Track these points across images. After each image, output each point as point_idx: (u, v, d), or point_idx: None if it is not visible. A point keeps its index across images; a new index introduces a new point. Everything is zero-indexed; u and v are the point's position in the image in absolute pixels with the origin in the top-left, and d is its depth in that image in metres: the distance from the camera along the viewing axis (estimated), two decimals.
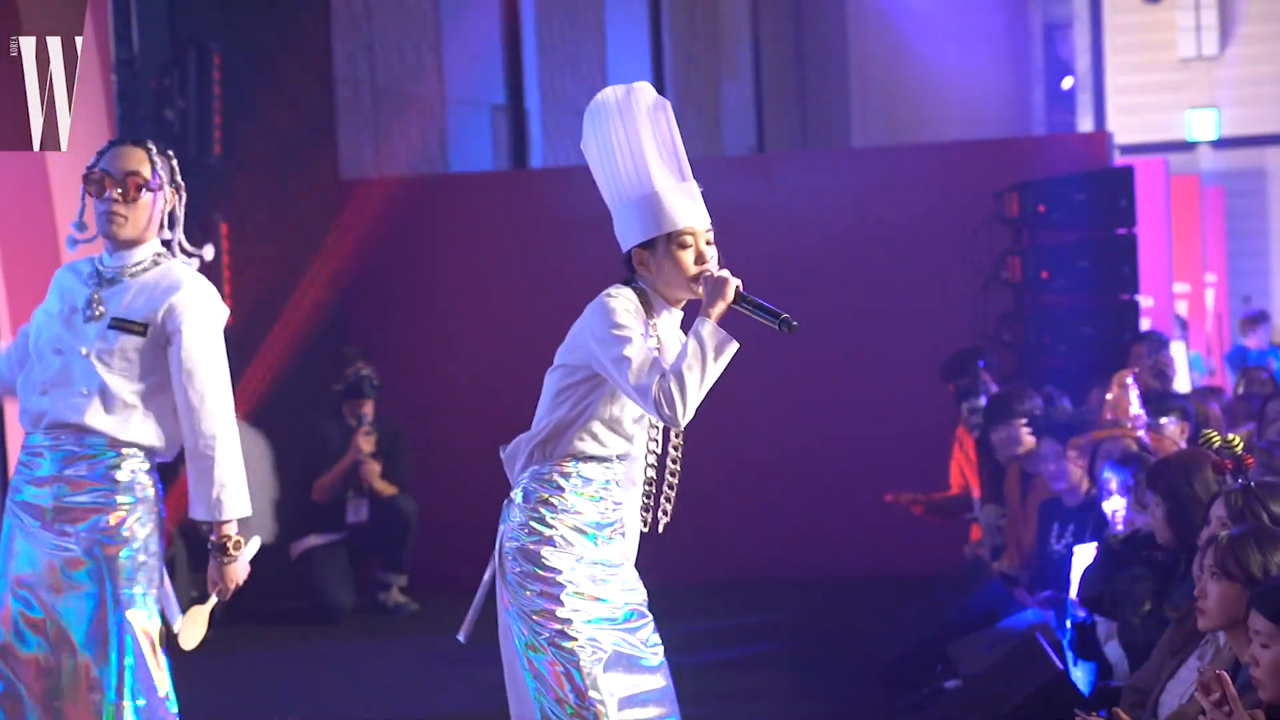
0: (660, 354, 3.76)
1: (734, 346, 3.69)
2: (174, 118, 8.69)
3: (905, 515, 8.70)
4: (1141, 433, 6.51)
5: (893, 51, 19.17)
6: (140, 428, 4.42)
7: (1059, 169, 9.47)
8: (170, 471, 4.64)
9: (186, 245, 4.57)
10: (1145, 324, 10.25)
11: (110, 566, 4.38)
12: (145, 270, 4.46)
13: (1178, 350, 10.12)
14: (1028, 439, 7.35)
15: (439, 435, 9.58)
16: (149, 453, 4.45)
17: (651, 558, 4.01)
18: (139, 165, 4.43)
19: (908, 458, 9.06)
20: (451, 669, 7.34)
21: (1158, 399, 7.32)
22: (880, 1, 19.16)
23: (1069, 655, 5.72)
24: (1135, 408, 6.61)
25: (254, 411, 8.90)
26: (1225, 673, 3.48)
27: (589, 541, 3.84)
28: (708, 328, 3.68)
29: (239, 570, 4.48)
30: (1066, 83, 20.60)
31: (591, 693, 3.75)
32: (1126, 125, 18.45)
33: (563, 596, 3.78)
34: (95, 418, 4.37)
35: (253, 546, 4.55)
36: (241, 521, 4.49)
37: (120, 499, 4.40)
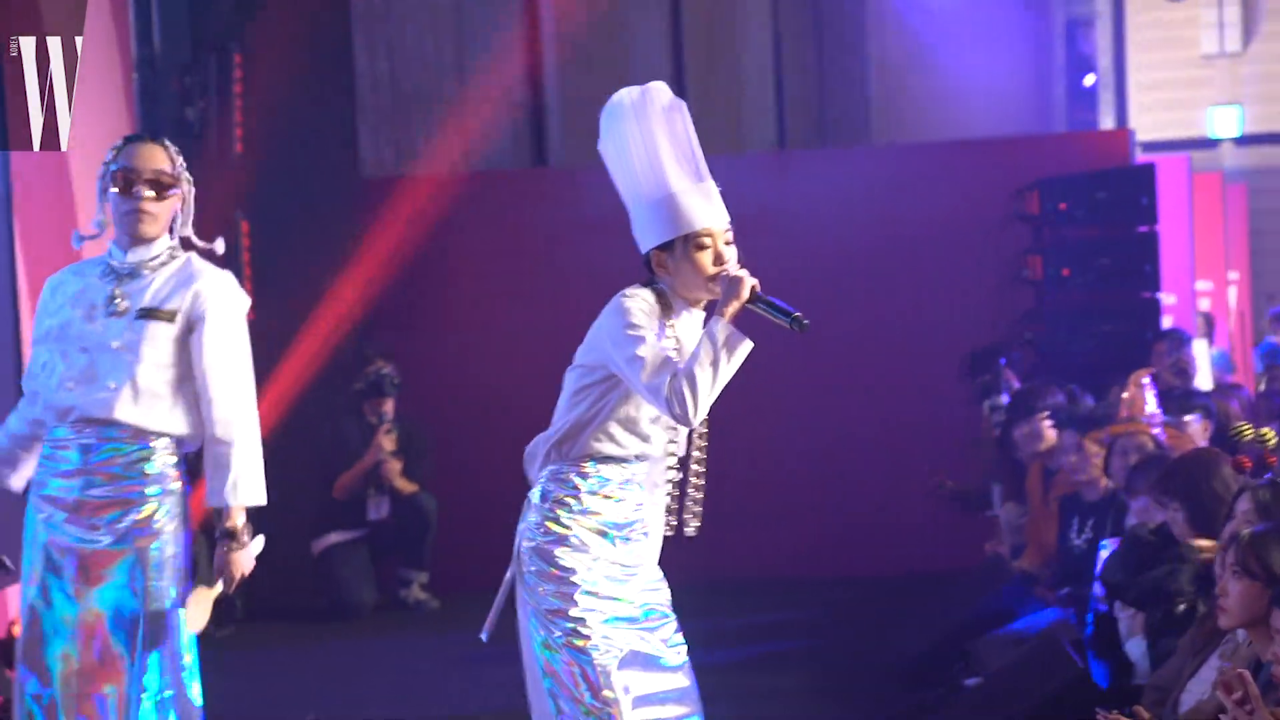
0: (679, 355, 3.76)
1: (747, 346, 3.68)
2: (195, 117, 8.72)
3: (924, 512, 8.70)
4: (1157, 430, 6.50)
5: (913, 48, 19.12)
6: (169, 417, 4.46)
7: (1080, 166, 9.46)
8: (195, 471, 4.66)
9: (197, 240, 4.62)
10: (1167, 322, 10.23)
11: (141, 559, 4.42)
12: (163, 264, 4.52)
13: (1200, 348, 10.09)
14: (1050, 434, 7.34)
15: (459, 433, 9.59)
16: (178, 443, 4.50)
17: (670, 557, 4.01)
18: (164, 163, 4.51)
19: (928, 456, 9.05)
20: (472, 666, 7.35)
21: (1181, 397, 7.31)
22: None
23: (1088, 653, 5.71)
24: (1151, 406, 6.62)
25: (275, 409, 8.91)
26: (1247, 671, 3.47)
27: (607, 543, 3.83)
28: (721, 327, 3.67)
29: (245, 559, 4.50)
30: (1088, 80, 20.55)
31: (606, 691, 3.74)
32: (1148, 122, 18.41)
33: (576, 596, 3.78)
34: (124, 410, 4.42)
35: (257, 544, 4.56)
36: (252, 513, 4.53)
37: (149, 491, 4.44)
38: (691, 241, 3.79)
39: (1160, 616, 5.08)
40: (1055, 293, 9.42)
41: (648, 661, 3.84)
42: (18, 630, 6.30)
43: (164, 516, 4.44)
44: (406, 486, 9.12)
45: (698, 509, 3.92)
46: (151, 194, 4.47)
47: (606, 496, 3.84)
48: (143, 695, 4.40)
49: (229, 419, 4.45)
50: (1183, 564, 4.94)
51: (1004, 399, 8.27)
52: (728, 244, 3.81)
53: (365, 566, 9.10)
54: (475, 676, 7.25)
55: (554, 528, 3.82)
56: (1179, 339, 9.38)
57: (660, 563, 3.98)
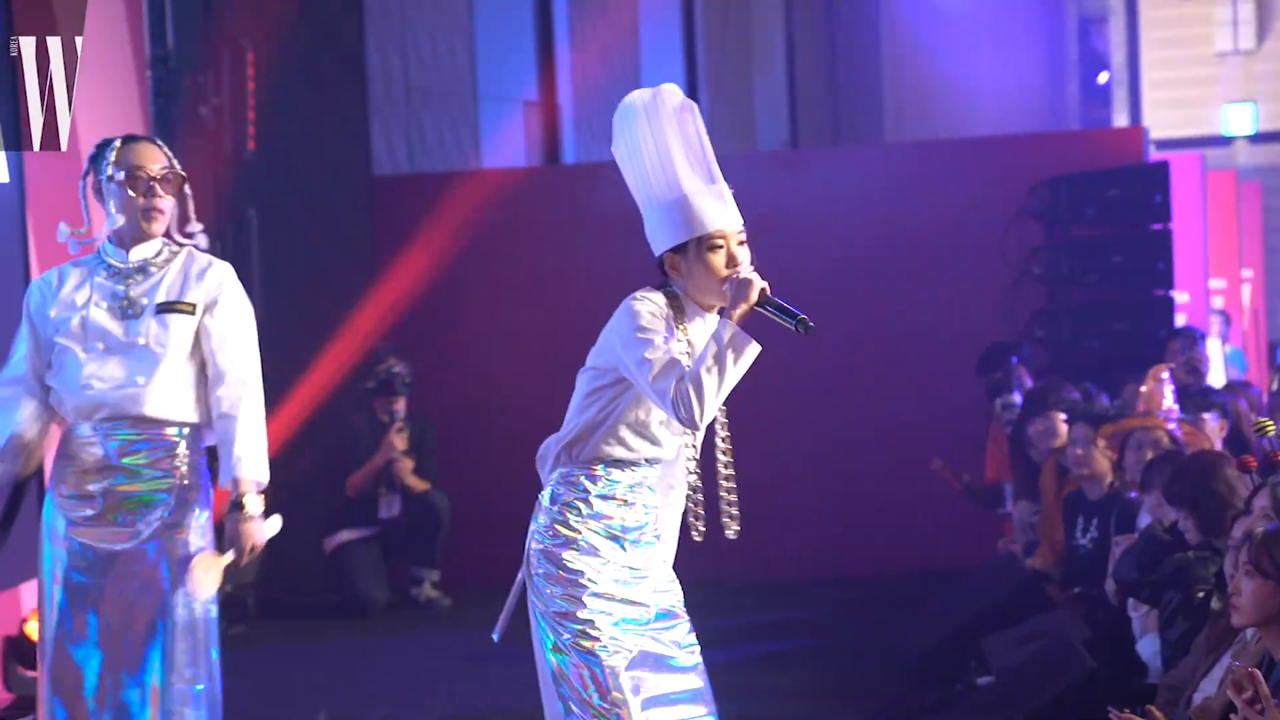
0: (690, 359, 3.73)
1: (755, 349, 3.65)
2: (208, 114, 8.73)
3: (937, 511, 8.69)
4: (1172, 425, 6.49)
5: (926, 45, 19.09)
6: (194, 408, 4.54)
7: (1094, 164, 9.44)
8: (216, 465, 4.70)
9: (179, 235, 4.67)
10: (1180, 320, 10.21)
11: (168, 553, 4.45)
12: (167, 259, 4.59)
13: (1214, 346, 10.07)
14: (1065, 431, 7.32)
15: (471, 431, 9.60)
16: (199, 433, 4.56)
17: (675, 557, 3.99)
18: (165, 160, 4.58)
19: (941, 453, 9.03)
20: (484, 664, 7.36)
21: (1198, 395, 7.29)
22: None
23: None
24: (1169, 401, 6.61)
25: (287, 406, 8.92)
26: (1258, 670, 3.46)
27: (616, 546, 3.81)
28: (728, 330, 3.65)
29: (256, 530, 4.53)
30: (1102, 77, 20.50)
31: (614, 693, 3.73)
32: (1162, 120, 18.35)
33: (584, 598, 3.76)
34: (154, 405, 4.48)
35: (274, 524, 4.58)
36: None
37: (175, 484, 4.48)
38: (704, 243, 3.76)
39: (1179, 602, 5.04)
40: (1068, 290, 9.41)
41: (659, 663, 3.82)
42: (29, 628, 6.32)
43: (190, 511, 4.49)
44: (418, 485, 9.13)
45: (734, 511, 3.87)
46: (163, 192, 4.54)
47: (616, 500, 3.83)
48: (169, 687, 4.43)
49: (235, 397, 4.53)
50: (1215, 555, 4.91)
51: (1016, 397, 8.26)
52: (741, 245, 3.79)
53: (377, 564, 9.11)
54: (487, 675, 7.25)
55: (563, 531, 3.81)
56: (1192, 337, 9.36)
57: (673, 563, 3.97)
